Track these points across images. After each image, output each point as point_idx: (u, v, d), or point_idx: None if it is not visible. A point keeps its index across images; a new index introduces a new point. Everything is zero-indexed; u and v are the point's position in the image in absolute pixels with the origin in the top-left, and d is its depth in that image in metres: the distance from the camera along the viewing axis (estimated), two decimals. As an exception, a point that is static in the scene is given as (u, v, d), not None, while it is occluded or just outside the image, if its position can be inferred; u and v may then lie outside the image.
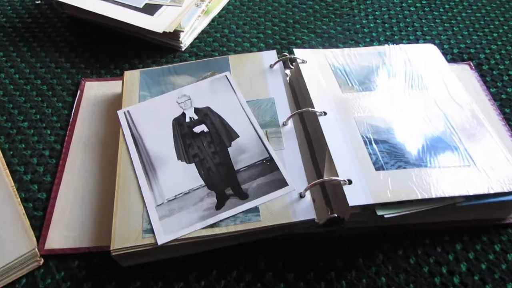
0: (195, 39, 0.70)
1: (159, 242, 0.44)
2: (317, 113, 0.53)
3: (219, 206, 0.47)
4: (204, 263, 0.46)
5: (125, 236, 0.44)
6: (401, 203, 0.45)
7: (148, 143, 0.53)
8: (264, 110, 0.55)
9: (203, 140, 0.53)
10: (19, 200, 0.51)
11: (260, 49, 0.68)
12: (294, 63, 0.60)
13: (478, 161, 0.49)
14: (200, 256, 0.46)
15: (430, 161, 0.49)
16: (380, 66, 0.61)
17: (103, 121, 0.58)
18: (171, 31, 0.65)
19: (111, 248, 0.43)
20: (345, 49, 0.64)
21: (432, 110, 0.55)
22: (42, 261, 0.48)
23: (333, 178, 0.47)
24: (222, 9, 0.75)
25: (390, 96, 0.57)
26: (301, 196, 0.47)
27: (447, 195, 0.45)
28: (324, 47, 0.68)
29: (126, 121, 0.56)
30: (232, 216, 0.46)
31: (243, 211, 0.46)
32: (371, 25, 0.72)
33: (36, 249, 0.47)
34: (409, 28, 0.71)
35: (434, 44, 0.64)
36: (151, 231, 0.44)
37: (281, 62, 0.61)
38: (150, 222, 0.46)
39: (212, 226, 0.45)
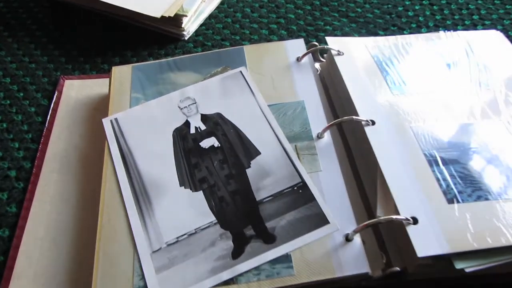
0: (201, 25, 0.61)
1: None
2: (363, 123, 0.40)
3: (237, 253, 0.35)
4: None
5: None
6: (487, 250, 0.33)
7: (141, 162, 0.42)
8: (291, 118, 0.43)
9: (214, 159, 0.41)
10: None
11: (281, 38, 0.57)
12: (326, 55, 0.49)
13: None
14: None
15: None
16: (437, 59, 0.49)
17: (85, 131, 0.49)
18: (171, 15, 0.56)
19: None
20: (390, 38, 0.51)
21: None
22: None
23: (393, 217, 0.34)
24: (234, -11, 0.64)
25: (454, 98, 0.44)
26: (348, 239, 0.35)
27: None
28: (360, 34, 0.56)
29: (113, 133, 0.44)
30: (254, 268, 0.35)
31: (269, 261, 0.35)
32: (416, 7, 0.60)
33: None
34: (463, 11, 0.59)
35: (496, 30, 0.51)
36: (145, 289, 0.34)
37: (310, 54, 0.48)
38: (143, 277, 0.35)
39: (227, 283, 0.34)
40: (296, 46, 0.50)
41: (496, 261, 0.34)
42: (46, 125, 0.49)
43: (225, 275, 0.34)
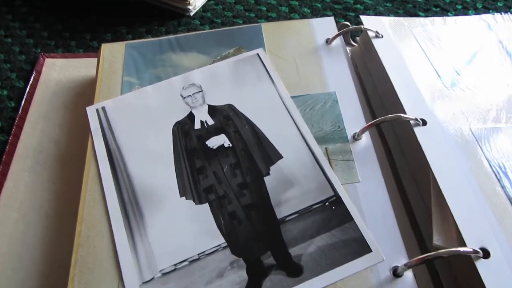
0: (209, -1, 0.54)
1: None
2: (412, 122, 0.32)
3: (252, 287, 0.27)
4: None
5: None
6: None
7: (132, 164, 0.34)
8: (321, 113, 0.35)
9: (223, 163, 0.33)
10: None
11: (303, 16, 0.50)
12: (358, 39, 0.44)
13: None
14: None
15: None
16: (496, 46, 0.41)
17: (67, 122, 0.42)
18: (175, -15, 0.49)
19: None
20: (437, 19, 0.43)
21: None
22: None
23: (461, 250, 0.26)
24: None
25: (522, 95, 0.36)
26: (397, 274, 0.27)
27: None
28: (396, 15, 0.47)
29: (98, 125, 0.36)
30: (275, 310, 0.26)
31: (294, 301, 0.27)
32: (461, -15, 0.51)
33: None
34: (516, -8, 0.50)
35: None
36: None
37: (342, 36, 0.40)
38: (129, 317, 0.26)
39: (240, 329, 0.26)
40: (325, 25, 0.42)
41: None
42: (20, 112, 0.43)
43: (237, 319, 0.26)
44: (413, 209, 0.32)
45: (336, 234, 0.29)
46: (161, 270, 0.29)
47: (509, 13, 0.44)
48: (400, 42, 0.40)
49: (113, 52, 0.41)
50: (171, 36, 0.42)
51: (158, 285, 0.28)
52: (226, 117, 0.35)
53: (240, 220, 0.30)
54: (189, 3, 0.50)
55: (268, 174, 0.32)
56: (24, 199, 0.36)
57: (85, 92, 0.43)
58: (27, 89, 0.44)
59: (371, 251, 0.28)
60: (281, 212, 0.31)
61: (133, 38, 0.50)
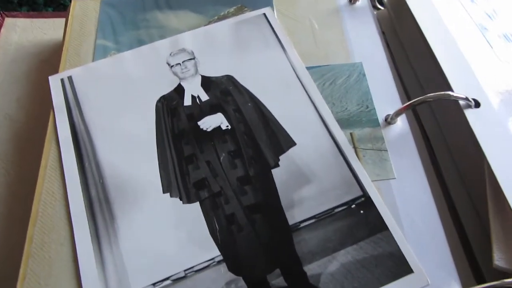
0: None
1: None
2: (461, 103, 0.26)
3: (256, 320, 0.21)
4: None
5: None
6: None
7: (103, 149, 0.28)
8: (344, 89, 0.29)
9: (220, 150, 0.26)
10: None
11: None
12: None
13: None
14: None
15: None
16: None
17: (27, 94, 0.37)
18: None
19: None
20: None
21: None
22: None
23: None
24: None
25: None
26: (446, 302, 0.21)
27: None
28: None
29: (63, 99, 0.30)
30: None
31: (312, 337, 0.21)
32: None
33: None
34: None
35: None
36: None
37: (368, -5, 0.34)
38: None
39: None
40: (348, -19, 0.34)
41: None
42: (-30, 82, 0.36)
43: None
44: (460, 217, 0.26)
45: (366, 248, 0.23)
46: (135, 292, 0.22)
47: None
48: (441, 6, 0.33)
49: (85, 9, 0.36)
50: (157, -9, 0.35)
51: (130, 312, 0.22)
52: (224, 92, 0.28)
53: (240, 226, 0.24)
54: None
55: (277, 165, 0.26)
56: (-33, 191, 0.29)
57: (52, 60, 0.37)
58: (-19, 54, 0.37)
59: (412, 271, 0.22)
60: (294, 216, 0.25)
61: (114, -4, 0.42)
